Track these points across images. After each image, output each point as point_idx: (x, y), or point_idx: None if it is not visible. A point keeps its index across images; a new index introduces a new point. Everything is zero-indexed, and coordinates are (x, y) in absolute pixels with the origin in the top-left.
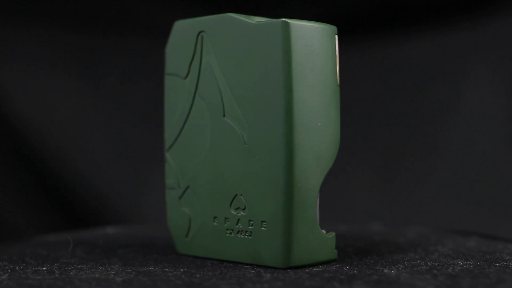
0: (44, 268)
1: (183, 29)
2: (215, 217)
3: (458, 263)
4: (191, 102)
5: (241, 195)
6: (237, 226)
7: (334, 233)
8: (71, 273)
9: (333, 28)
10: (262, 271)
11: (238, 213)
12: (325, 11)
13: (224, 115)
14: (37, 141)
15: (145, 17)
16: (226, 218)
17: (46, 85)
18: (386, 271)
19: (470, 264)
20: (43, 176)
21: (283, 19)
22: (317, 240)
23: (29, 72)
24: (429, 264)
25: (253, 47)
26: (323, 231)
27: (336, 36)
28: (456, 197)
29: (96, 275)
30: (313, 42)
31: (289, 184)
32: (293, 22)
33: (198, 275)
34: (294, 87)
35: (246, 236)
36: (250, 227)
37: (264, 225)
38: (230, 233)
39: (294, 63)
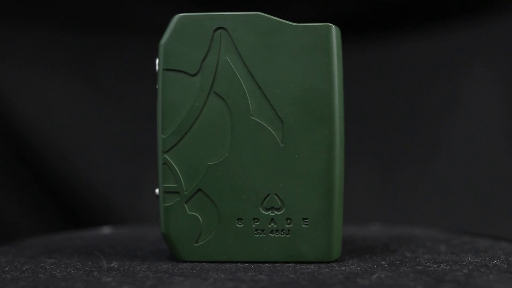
0: None
1: (190, 24)
2: (239, 219)
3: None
4: (204, 100)
5: (275, 194)
6: (269, 226)
7: None
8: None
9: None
10: (335, 265)
11: (271, 212)
12: (324, 11)
13: (251, 115)
14: (37, 141)
15: (145, 16)
16: (254, 219)
17: (46, 85)
18: (408, 254)
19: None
20: (43, 176)
21: (329, 24)
22: (341, 234)
23: (28, 72)
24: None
25: (293, 48)
26: None
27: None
28: (456, 197)
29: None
30: (339, 44)
31: (332, 181)
32: (334, 26)
33: (275, 276)
34: (335, 88)
35: (282, 235)
36: (287, 226)
37: (306, 223)
38: (260, 234)
39: (334, 65)
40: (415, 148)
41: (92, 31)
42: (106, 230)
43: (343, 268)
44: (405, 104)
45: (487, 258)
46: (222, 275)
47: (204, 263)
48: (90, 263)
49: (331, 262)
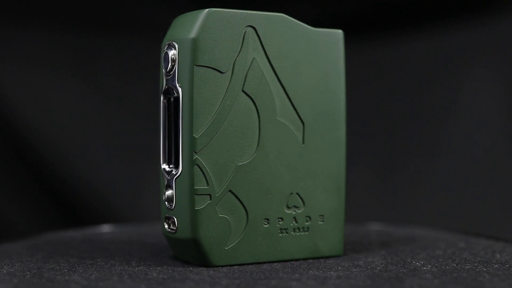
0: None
1: (222, 20)
2: (266, 219)
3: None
4: (234, 99)
5: (297, 193)
6: (292, 224)
7: None
8: None
9: None
10: (362, 257)
11: (293, 211)
12: (324, 11)
13: (277, 115)
14: (37, 141)
15: (145, 16)
16: (279, 218)
17: (46, 85)
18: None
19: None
20: (43, 176)
21: (339, 30)
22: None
23: (28, 72)
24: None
25: (312, 52)
26: None
27: None
28: (456, 197)
29: None
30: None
31: (342, 179)
32: (342, 32)
33: (337, 272)
34: (344, 91)
35: (302, 233)
36: (306, 223)
37: (321, 219)
38: (283, 233)
39: (343, 69)
40: (415, 148)
41: (92, 31)
42: (105, 228)
43: (369, 260)
44: (405, 104)
45: (491, 256)
46: (297, 275)
47: (236, 266)
48: (130, 269)
49: (341, 256)
